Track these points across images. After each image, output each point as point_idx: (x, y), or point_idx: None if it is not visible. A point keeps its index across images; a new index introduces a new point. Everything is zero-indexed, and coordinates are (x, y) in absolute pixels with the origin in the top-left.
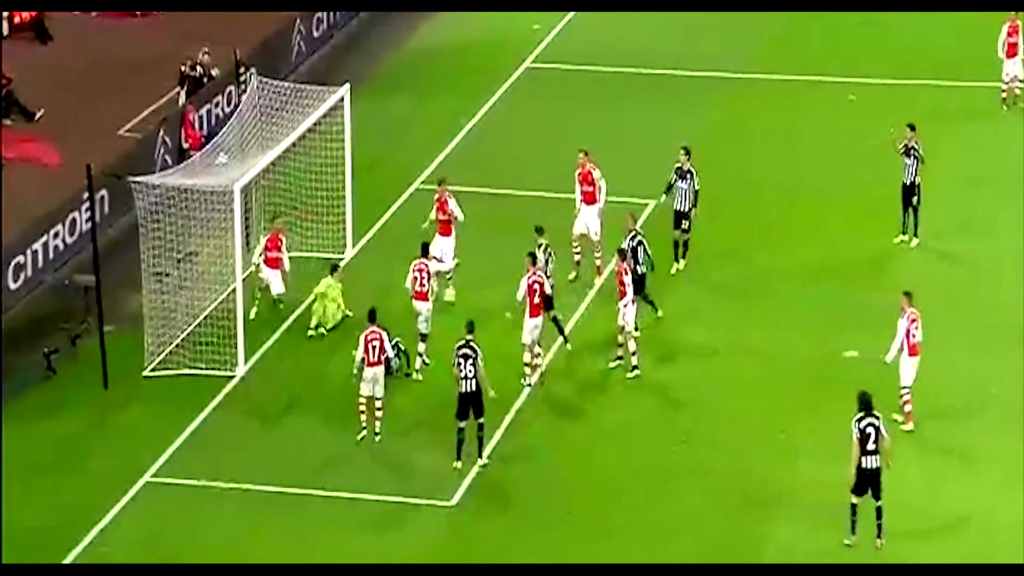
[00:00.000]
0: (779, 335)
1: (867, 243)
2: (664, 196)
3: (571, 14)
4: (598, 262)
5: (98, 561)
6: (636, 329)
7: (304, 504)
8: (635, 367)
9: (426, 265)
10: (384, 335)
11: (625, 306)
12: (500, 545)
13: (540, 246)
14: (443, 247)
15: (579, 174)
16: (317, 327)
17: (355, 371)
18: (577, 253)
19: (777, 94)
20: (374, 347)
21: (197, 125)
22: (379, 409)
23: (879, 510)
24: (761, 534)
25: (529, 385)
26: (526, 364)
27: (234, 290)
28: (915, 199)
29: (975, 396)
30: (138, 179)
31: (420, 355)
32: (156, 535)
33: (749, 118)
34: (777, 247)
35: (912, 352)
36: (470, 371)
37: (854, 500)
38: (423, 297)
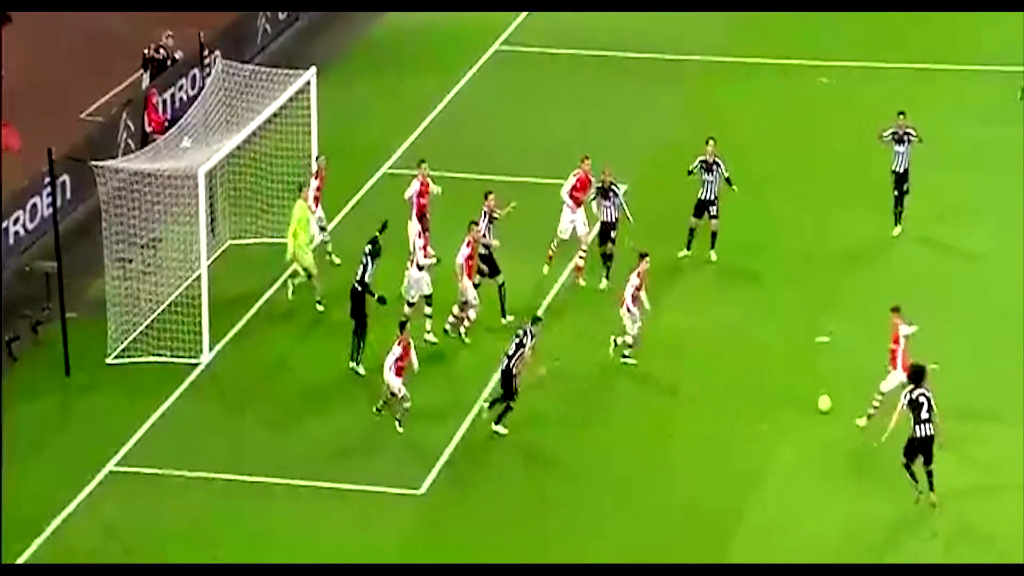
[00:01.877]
0: (761, 322)
1: (855, 230)
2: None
3: None
4: (580, 262)
5: (63, 550)
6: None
7: (269, 493)
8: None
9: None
10: (410, 345)
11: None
12: (469, 534)
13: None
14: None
15: (578, 179)
16: (300, 274)
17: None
18: (553, 252)
19: (750, 77)
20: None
21: (161, 109)
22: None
23: (930, 474)
24: (737, 518)
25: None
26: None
27: (199, 276)
28: (905, 186)
29: (973, 383)
30: (100, 163)
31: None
32: (119, 524)
33: (722, 101)
34: (761, 233)
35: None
36: (511, 351)
37: (906, 462)
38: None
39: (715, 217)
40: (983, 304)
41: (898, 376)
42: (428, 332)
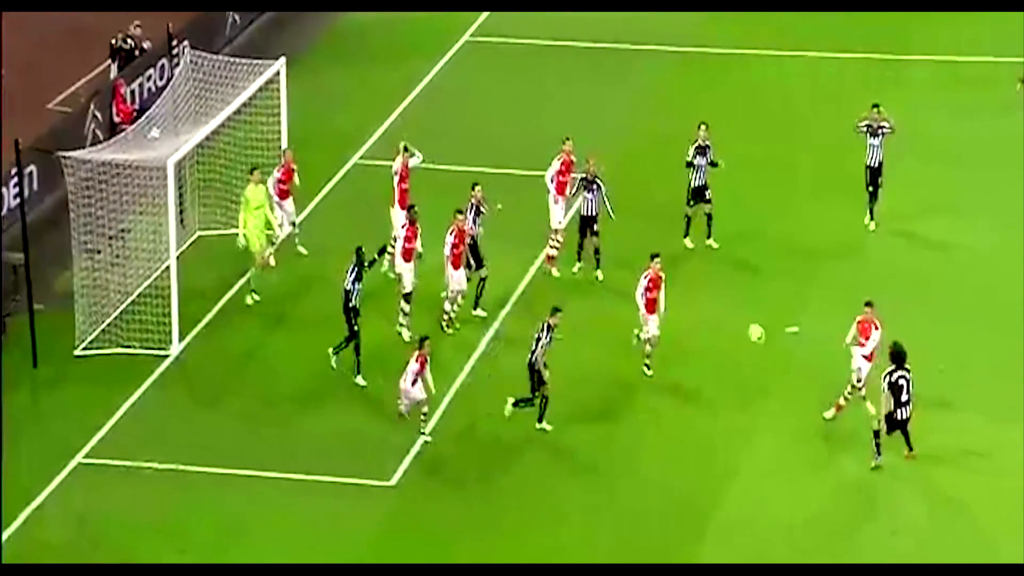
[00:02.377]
0: (740, 312)
1: (833, 222)
2: (692, 173)
3: None
4: (553, 252)
5: (32, 542)
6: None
7: (239, 484)
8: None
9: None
10: (427, 360)
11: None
12: (440, 525)
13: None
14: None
15: (562, 162)
16: (254, 290)
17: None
18: (558, 247)
19: (718, 66)
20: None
21: (129, 99)
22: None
23: (907, 440)
24: (710, 512)
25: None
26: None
27: (168, 267)
28: (880, 180)
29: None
30: (68, 154)
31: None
32: (88, 516)
33: (688, 91)
34: (741, 224)
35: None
36: (532, 344)
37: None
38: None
39: (708, 201)
40: (960, 296)
41: (865, 366)
42: (403, 326)
